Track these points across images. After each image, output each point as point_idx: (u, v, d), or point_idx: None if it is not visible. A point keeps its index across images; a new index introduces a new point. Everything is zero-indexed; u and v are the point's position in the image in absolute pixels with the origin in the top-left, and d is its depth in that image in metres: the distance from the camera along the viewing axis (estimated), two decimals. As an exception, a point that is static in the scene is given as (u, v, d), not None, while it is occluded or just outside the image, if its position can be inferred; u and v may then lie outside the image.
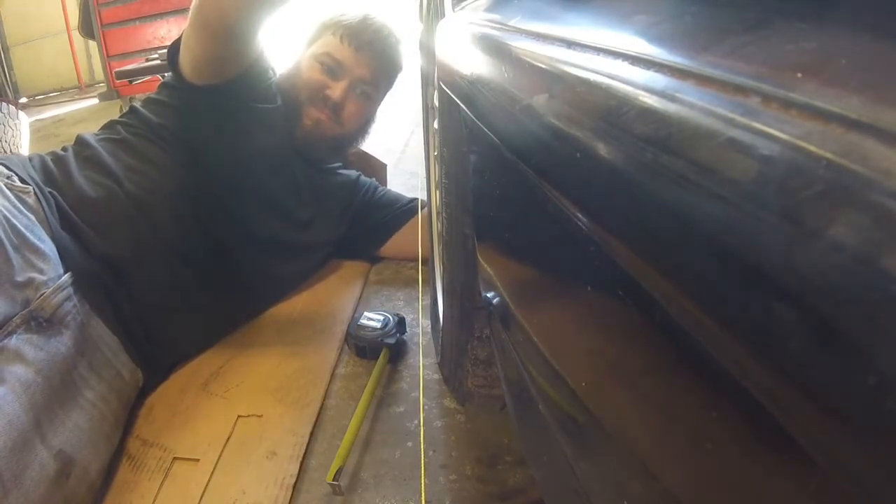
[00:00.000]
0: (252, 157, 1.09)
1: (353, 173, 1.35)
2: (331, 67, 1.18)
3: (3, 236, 0.75)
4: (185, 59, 1.01)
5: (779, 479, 0.17)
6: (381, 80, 1.25)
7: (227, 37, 0.93)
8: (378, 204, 1.33)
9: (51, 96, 5.16)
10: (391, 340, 0.97)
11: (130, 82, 3.10)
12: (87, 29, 3.77)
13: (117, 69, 3.01)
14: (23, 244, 0.78)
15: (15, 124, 2.40)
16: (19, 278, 0.75)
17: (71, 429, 0.74)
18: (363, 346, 0.98)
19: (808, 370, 0.13)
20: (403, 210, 1.31)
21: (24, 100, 5.00)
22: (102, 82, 4.46)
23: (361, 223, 1.31)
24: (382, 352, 0.95)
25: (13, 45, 5.16)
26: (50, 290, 0.77)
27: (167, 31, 3.59)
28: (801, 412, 0.14)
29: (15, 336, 0.71)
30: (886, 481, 0.12)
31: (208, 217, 1.03)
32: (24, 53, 5.18)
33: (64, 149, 1.04)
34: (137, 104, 1.11)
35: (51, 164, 0.98)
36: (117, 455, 0.82)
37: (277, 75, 1.18)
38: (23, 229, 0.79)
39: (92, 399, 0.79)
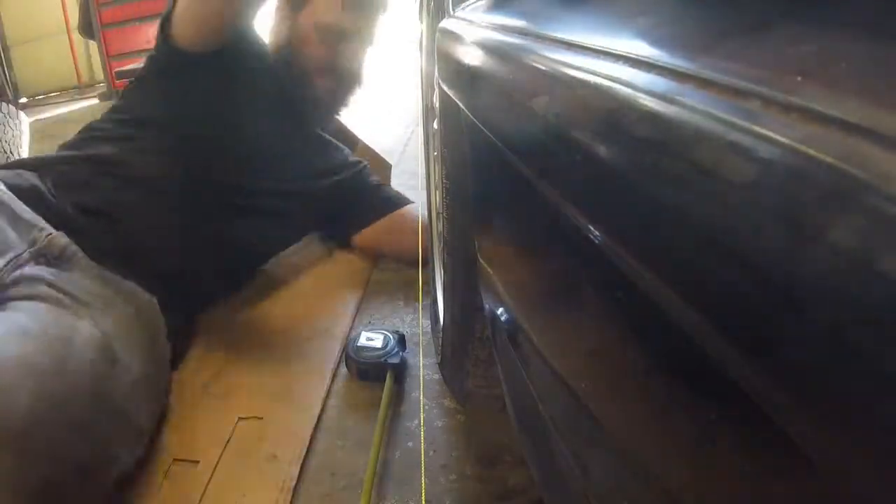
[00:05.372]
0: (243, 119, 1.12)
1: (342, 150, 1.36)
2: (337, 39, 1.18)
3: (2, 195, 0.85)
4: (182, 23, 1.04)
5: (778, 480, 0.17)
6: (373, 22, 1.24)
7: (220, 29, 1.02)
8: (366, 186, 1.32)
9: (51, 96, 5.14)
10: (395, 360, 0.91)
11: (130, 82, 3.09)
12: (87, 29, 3.76)
13: (117, 69, 3.00)
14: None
15: (15, 124, 2.39)
16: (25, 216, 0.84)
17: (112, 322, 0.79)
18: (365, 369, 0.93)
19: (808, 372, 0.13)
20: (390, 199, 1.31)
21: (24, 100, 4.98)
22: (102, 82, 4.45)
23: (346, 198, 1.30)
24: (388, 374, 0.89)
25: (13, 45, 5.14)
26: (55, 234, 0.84)
27: (167, 31, 3.58)
28: (801, 414, 0.14)
29: (28, 266, 0.78)
30: (885, 483, 0.12)
31: (198, 172, 1.06)
32: (24, 53, 5.16)
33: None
34: (118, 101, 1.17)
35: (45, 154, 1.06)
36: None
37: (265, 44, 1.21)
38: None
39: (121, 310, 0.84)
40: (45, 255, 0.81)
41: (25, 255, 0.79)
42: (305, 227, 1.31)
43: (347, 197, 1.30)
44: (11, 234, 0.80)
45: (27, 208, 0.87)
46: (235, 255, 1.16)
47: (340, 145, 1.36)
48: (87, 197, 0.96)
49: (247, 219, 1.15)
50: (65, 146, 1.09)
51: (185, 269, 1.04)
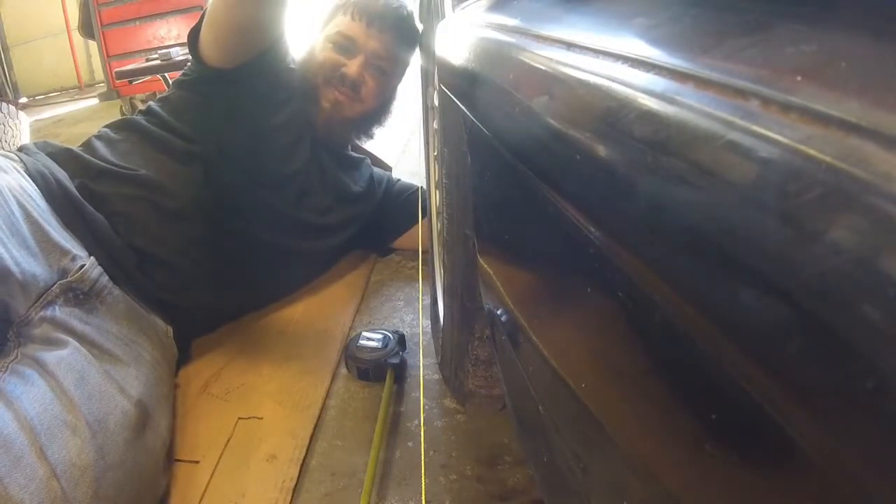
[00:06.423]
0: (273, 145, 1.10)
1: (368, 167, 1.36)
2: (344, 45, 1.17)
3: (32, 211, 0.81)
4: (207, 39, 1.02)
5: (778, 480, 0.17)
6: (397, 54, 1.22)
7: (247, 32, 1.00)
8: (396, 198, 1.35)
9: (51, 96, 5.15)
10: (395, 360, 0.93)
11: (130, 82, 3.09)
12: (87, 29, 3.77)
13: (117, 69, 3.00)
14: (50, 221, 0.83)
15: (15, 124, 2.40)
16: (56, 237, 0.80)
17: (144, 383, 0.79)
18: (365, 369, 0.93)
19: (808, 372, 0.13)
20: (424, 203, 1.31)
21: (24, 100, 5.00)
22: (102, 82, 4.46)
23: (380, 215, 1.33)
24: (388, 374, 0.90)
25: (13, 45, 5.15)
26: (88, 264, 0.82)
27: (167, 31, 3.59)
28: (801, 414, 0.14)
29: (57, 307, 0.76)
30: (884, 482, 0.12)
31: (229, 202, 1.05)
32: (24, 53, 5.18)
33: (88, 142, 1.05)
34: (154, 105, 1.12)
35: (78, 153, 1.00)
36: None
37: (294, 63, 1.19)
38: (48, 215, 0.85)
39: (150, 360, 0.84)
40: (74, 290, 0.78)
41: (55, 290, 0.76)
42: (339, 254, 1.32)
43: (379, 217, 1.33)
44: (40, 263, 0.76)
45: (59, 227, 0.84)
46: (265, 293, 1.17)
47: (362, 158, 1.36)
48: (121, 223, 0.93)
49: (282, 258, 1.14)
50: (101, 139, 1.05)
51: (212, 305, 1.05)
